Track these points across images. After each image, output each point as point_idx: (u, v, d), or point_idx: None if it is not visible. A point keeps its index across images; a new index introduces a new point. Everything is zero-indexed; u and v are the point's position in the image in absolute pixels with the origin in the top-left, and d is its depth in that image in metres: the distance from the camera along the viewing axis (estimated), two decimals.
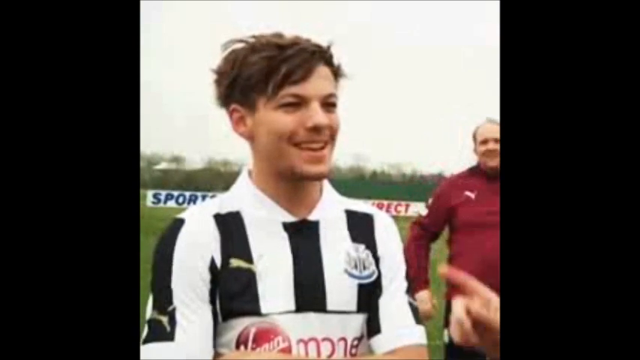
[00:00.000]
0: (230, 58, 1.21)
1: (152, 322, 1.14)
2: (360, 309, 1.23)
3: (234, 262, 1.18)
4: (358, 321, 1.23)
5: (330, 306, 1.20)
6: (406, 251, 3.42)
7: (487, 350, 1.02)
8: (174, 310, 1.14)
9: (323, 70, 1.19)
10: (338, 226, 1.28)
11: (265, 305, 1.16)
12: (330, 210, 1.28)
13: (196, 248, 1.17)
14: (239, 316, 1.16)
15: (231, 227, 1.21)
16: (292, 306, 1.18)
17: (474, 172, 3.33)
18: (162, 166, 69.42)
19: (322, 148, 1.19)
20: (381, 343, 1.22)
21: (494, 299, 1.02)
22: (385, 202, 32.71)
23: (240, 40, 1.21)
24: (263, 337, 1.16)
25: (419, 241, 3.34)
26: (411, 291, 1.29)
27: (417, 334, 1.24)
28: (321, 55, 1.19)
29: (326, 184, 1.30)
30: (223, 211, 1.23)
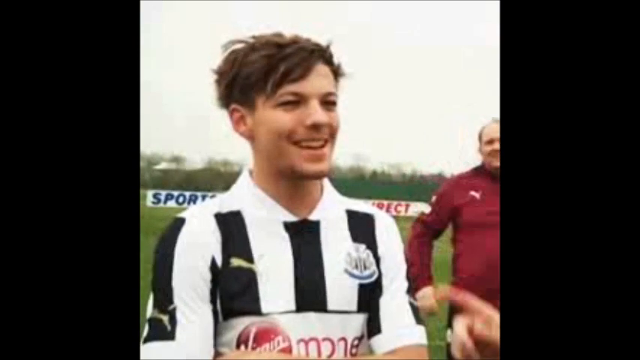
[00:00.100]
0: (230, 57, 1.21)
1: (153, 321, 1.15)
2: (360, 309, 1.23)
3: (235, 262, 1.18)
4: (358, 321, 1.23)
5: (330, 306, 1.20)
6: (408, 248, 3.40)
7: None
8: (174, 309, 1.14)
9: (322, 69, 1.19)
10: (339, 226, 1.28)
11: (266, 305, 1.16)
12: (330, 210, 1.28)
13: (197, 248, 1.17)
14: (239, 315, 1.16)
15: (231, 227, 1.21)
16: (293, 306, 1.18)
17: (479, 171, 3.33)
18: (163, 166, 69.43)
19: (322, 146, 1.19)
20: (381, 343, 1.22)
21: (496, 317, 1.02)
22: (385, 202, 32.70)
23: (240, 41, 1.21)
24: (263, 336, 1.16)
25: (421, 238, 3.34)
26: (411, 291, 1.29)
27: (418, 334, 1.24)
28: (320, 54, 1.19)
29: (327, 184, 1.30)
30: (224, 210, 1.23)
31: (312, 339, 1.19)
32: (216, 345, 1.16)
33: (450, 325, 3.24)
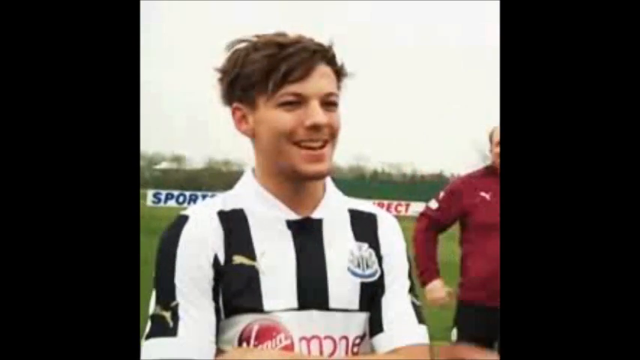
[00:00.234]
0: (232, 57, 1.22)
1: (155, 318, 1.15)
2: (362, 307, 1.23)
3: (237, 259, 1.18)
4: (360, 320, 1.23)
5: (332, 304, 1.21)
6: (414, 241, 3.40)
7: None
8: (177, 305, 1.14)
9: (323, 69, 1.20)
10: (341, 225, 1.28)
11: (268, 302, 1.17)
12: (333, 209, 1.28)
13: (200, 245, 1.18)
14: (242, 312, 1.17)
15: (234, 224, 1.21)
16: (295, 303, 1.18)
17: (489, 172, 3.32)
18: (163, 165, 69.39)
19: (322, 147, 1.19)
20: (382, 342, 1.22)
21: None
22: (385, 202, 32.70)
23: (243, 40, 1.22)
24: (265, 334, 1.16)
25: (427, 232, 3.34)
26: (413, 290, 1.29)
27: (420, 334, 1.24)
28: (322, 55, 1.20)
29: (329, 183, 1.31)
30: (227, 208, 1.24)
31: (314, 337, 1.19)
32: (218, 342, 1.16)
33: (456, 324, 3.24)
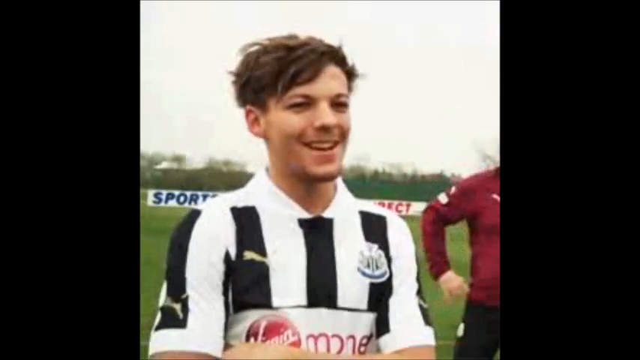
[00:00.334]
0: (244, 60, 1.24)
1: (165, 309, 1.16)
2: (370, 308, 1.24)
3: (248, 255, 1.20)
4: (368, 320, 1.25)
5: (340, 303, 1.22)
6: (423, 234, 3.39)
7: None
8: (187, 298, 1.15)
9: (333, 70, 1.21)
10: (352, 226, 1.30)
11: (277, 299, 1.18)
12: (344, 209, 1.30)
13: (211, 239, 1.19)
14: (250, 308, 1.18)
15: (247, 221, 1.23)
16: (304, 301, 1.19)
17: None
18: (164, 165, 69.45)
19: (332, 147, 1.20)
20: (389, 342, 1.23)
21: None
22: (386, 202, 32.72)
23: (256, 43, 1.23)
24: (273, 330, 1.17)
25: (436, 225, 3.35)
26: (421, 293, 1.31)
27: (426, 336, 1.25)
28: (331, 56, 1.21)
29: (340, 184, 1.33)
30: (240, 204, 1.25)
31: (321, 335, 1.20)
32: (226, 337, 1.17)
33: (464, 320, 3.25)
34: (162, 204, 33.31)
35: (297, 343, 1.17)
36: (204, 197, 34.73)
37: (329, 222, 1.26)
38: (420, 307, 1.28)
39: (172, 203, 33.54)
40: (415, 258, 1.33)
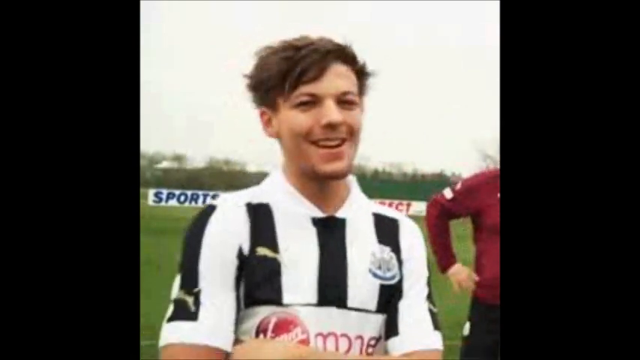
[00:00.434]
0: (256, 62, 1.26)
1: (178, 302, 1.17)
2: (379, 309, 1.25)
3: (261, 251, 1.21)
4: (377, 321, 1.25)
5: (350, 303, 1.22)
6: (428, 227, 3.41)
7: None
8: (199, 292, 1.17)
9: (339, 69, 1.22)
10: (365, 227, 1.31)
11: (287, 296, 1.19)
12: (357, 210, 1.31)
13: (225, 234, 1.21)
14: (261, 304, 1.19)
15: (261, 217, 1.24)
16: (314, 299, 1.20)
17: None
18: (164, 164, 69.43)
19: (339, 145, 1.21)
20: (397, 345, 1.24)
21: None
22: (387, 201, 32.70)
23: (269, 46, 1.25)
24: (282, 327, 1.18)
25: (441, 219, 3.37)
26: (431, 297, 1.31)
27: (434, 340, 1.26)
28: (336, 54, 1.22)
29: (354, 185, 1.34)
30: (255, 201, 1.27)
31: (330, 334, 1.21)
32: (236, 332, 1.18)
33: (469, 318, 3.26)
34: (163, 203, 33.31)
35: (305, 341, 1.18)
36: (205, 196, 34.73)
37: (341, 222, 1.27)
38: (430, 311, 1.29)
39: (173, 202, 33.54)
40: (426, 262, 1.34)
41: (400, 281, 1.28)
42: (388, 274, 1.27)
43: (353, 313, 1.22)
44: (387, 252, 1.29)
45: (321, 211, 1.26)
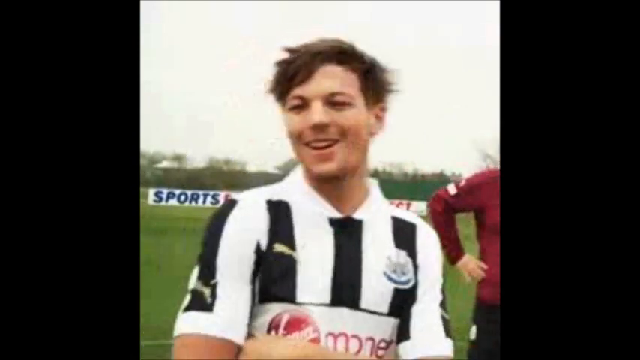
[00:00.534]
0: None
1: (195, 292, 1.19)
2: (391, 312, 1.26)
3: (278, 247, 1.22)
4: (388, 324, 1.26)
5: (363, 304, 1.23)
6: (434, 223, 3.43)
7: None
8: (216, 284, 1.18)
9: (329, 70, 1.23)
10: (383, 230, 1.32)
11: (301, 294, 1.19)
12: (375, 212, 1.32)
13: (244, 229, 1.22)
14: (274, 301, 1.19)
15: (280, 214, 1.26)
16: (327, 299, 1.21)
17: None
18: (164, 164, 69.44)
19: (329, 146, 1.22)
20: (408, 349, 1.25)
21: None
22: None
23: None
24: (294, 325, 1.18)
25: (446, 215, 3.41)
26: (444, 304, 1.31)
27: (445, 347, 1.26)
28: (325, 56, 1.23)
29: (374, 188, 1.35)
30: (275, 198, 1.28)
31: (341, 334, 1.21)
32: (248, 326, 1.18)
33: (474, 321, 3.26)
34: (163, 203, 33.31)
35: (316, 340, 1.18)
36: (205, 196, 34.75)
37: (358, 223, 1.28)
38: (443, 318, 1.29)
39: (173, 202, 33.55)
40: (442, 269, 1.34)
41: (415, 286, 1.28)
42: (403, 278, 1.28)
43: (365, 314, 1.23)
44: (403, 256, 1.29)
45: (338, 212, 1.27)
